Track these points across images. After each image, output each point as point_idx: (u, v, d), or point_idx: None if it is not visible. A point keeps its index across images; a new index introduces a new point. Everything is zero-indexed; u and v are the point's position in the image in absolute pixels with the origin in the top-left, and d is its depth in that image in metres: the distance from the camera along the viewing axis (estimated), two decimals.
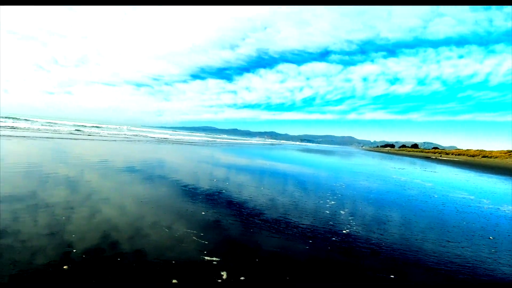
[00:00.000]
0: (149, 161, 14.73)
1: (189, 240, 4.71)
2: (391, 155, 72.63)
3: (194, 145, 35.27)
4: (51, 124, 44.14)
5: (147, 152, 20.00)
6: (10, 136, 21.64)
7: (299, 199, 8.53)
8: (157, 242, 4.53)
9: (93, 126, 51.06)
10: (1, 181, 7.44)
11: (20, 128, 30.34)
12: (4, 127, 29.60)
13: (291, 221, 6.28)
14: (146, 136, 42.99)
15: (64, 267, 3.56)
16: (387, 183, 13.98)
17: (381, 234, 5.91)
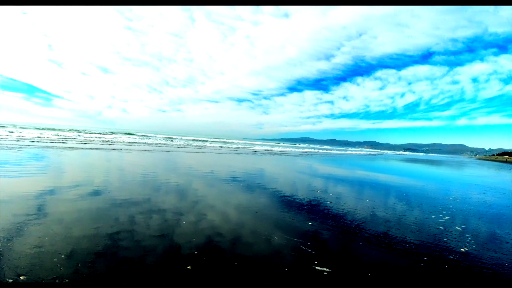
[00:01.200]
0: (253, 172, 15.50)
1: (298, 249, 4.80)
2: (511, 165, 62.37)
3: (294, 156, 35.58)
4: (166, 139, 49.41)
5: (251, 163, 21.02)
6: (132, 150, 25.09)
7: (408, 213, 8.01)
8: (267, 248, 4.73)
9: (198, 140, 55.51)
10: (122, 188, 8.66)
11: (139, 143, 34.84)
12: (125, 142, 34.37)
13: (401, 236, 5.94)
14: (248, 149, 44.99)
15: (188, 267, 3.96)
16: (507, 197, 12.30)
17: (504, 254, 5.27)
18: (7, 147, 18.08)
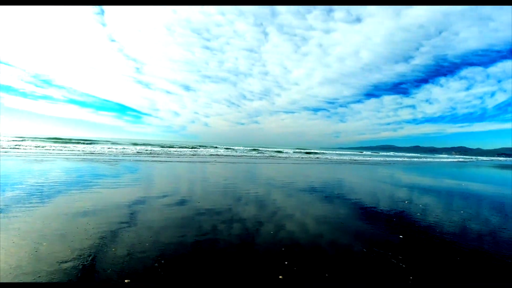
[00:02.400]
0: (334, 181, 15.27)
1: (387, 262, 4.67)
2: None
3: (375, 165, 34.08)
4: (249, 150, 51.21)
5: (331, 173, 20.70)
6: (218, 161, 26.42)
7: (508, 227, 7.13)
8: (355, 260, 4.69)
9: (280, 151, 56.32)
10: (206, 198, 9.26)
11: (225, 155, 36.71)
12: (212, 154, 36.52)
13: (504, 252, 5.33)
14: (328, 158, 44.40)
15: (280, 276, 4.11)
16: None
17: None
18: (104, 161, 20.73)
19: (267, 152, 49.97)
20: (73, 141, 43.82)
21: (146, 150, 35.41)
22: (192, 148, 46.88)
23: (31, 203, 7.36)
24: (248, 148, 55.70)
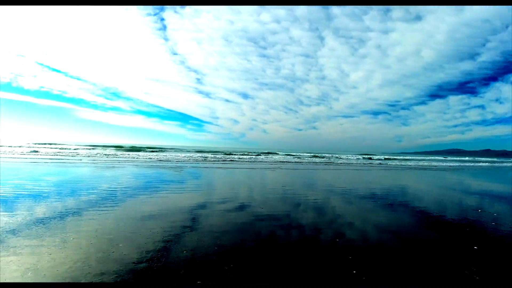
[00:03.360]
0: (398, 188, 14.61)
1: (460, 273, 4.38)
2: None
3: (442, 170, 31.85)
4: (304, 157, 50.93)
5: (394, 179, 19.78)
6: (278, 168, 26.63)
7: None
8: (425, 271, 4.47)
9: (337, 157, 55.22)
10: (265, 203, 9.37)
11: (284, 161, 36.94)
12: (277, 161, 36.93)
13: None
14: (388, 164, 42.51)
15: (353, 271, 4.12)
16: None
17: None
18: (170, 167, 21.97)
19: (327, 158, 49.19)
20: (144, 148, 47.12)
21: (210, 157, 36.90)
22: (257, 155, 47.80)
23: (106, 206, 8.08)
24: (308, 154, 55.33)
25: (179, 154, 40.67)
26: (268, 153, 54.29)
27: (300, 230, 6.52)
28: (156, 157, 33.90)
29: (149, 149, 46.62)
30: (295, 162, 37.49)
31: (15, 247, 4.87)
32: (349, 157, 53.63)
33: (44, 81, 78.63)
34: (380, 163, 42.90)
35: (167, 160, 29.76)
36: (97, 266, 4.25)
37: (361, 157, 55.24)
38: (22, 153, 30.89)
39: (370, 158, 54.15)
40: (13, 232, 5.64)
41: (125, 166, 21.52)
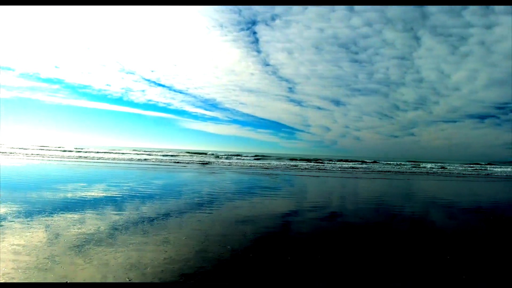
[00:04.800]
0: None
1: None
2: None
3: None
4: (398, 166, 47.99)
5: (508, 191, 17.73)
6: (377, 178, 25.81)
7: None
8: None
9: (440, 166, 50.60)
10: (355, 212, 9.17)
11: (390, 171, 35.54)
12: (379, 170, 35.84)
13: None
14: (501, 173, 37.46)
15: None
16: None
17: None
18: (265, 174, 22.96)
19: (427, 167, 45.43)
20: (241, 155, 50.06)
21: (304, 165, 37.45)
22: (353, 162, 46.88)
23: (203, 208, 8.89)
24: (406, 163, 51.81)
25: (272, 162, 42.09)
26: (361, 161, 52.38)
27: (396, 244, 6.29)
28: (252, 164, 35.77)
29: (252, 156, 49.21)
30: (395, 171, 35.59)
31: (133, 243, 5.70)
32: (454, 166, 48.49)
33: (151, 95, 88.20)
34: (487, 174, 37.95)
35: (264, 167, 31.14)
36: (184, 259, 4.77)
37: (468, 166, 49.49)
38: (133, 159, 35.60)
39: (480, 168, 48.03)
40: (130, 229, 6.58)
41: (224, 172, 23.36)
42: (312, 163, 40.71)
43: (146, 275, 4.12)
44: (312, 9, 71.52)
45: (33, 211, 7.50)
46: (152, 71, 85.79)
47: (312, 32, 77.42)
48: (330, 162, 43.98)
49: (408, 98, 79.46)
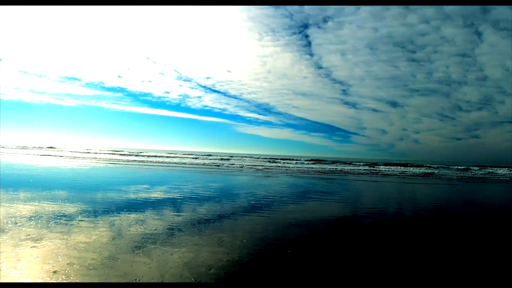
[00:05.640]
0: None
1: None
2: None
3: None
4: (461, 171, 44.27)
5: None
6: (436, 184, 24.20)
7: None
8: None
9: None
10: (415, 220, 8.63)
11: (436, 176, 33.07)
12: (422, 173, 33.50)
13: None
14: None
15: None
16: None
17: None
18: (321, 179, 22.45)
19: (498, 173, 41.28)
20: (296, 159, 49.71)
21: (363, 168, 36.18)
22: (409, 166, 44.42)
23: (262, 211, 8.88)
24: (473, 168, 47.70)
25: (328, 166, 41.14)
26: (422, 165, 49.13)
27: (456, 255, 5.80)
28: (308, 168, 35.29)
29: (306, 160, 48.71)
30: (467, 177, 32.87)
31: (196, 244, 5.87)
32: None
33: (207, 101, 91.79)
34: None
35: (319, 171, 30.59)
36: (237, 261, 4.77)
37: None
38: (189, 163, 36.83)
39: None
40: (191, 229, 6.77)
41: (279, 176, 23.33)
42: (368, 167, 39.09)
43: (210, 276, 4.18)
44: (365, 9, 69.42)
45: (98, 211, 8.00)
46: (207, 78, 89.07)
47: (366, 32, 74.89)
48: (388, 166, 41.72)
49: (471, 97, 73.33)
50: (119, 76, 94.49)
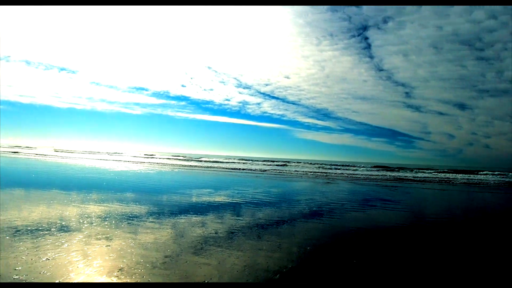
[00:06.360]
0: None
1: None
2: None
3: None
4: None
5: None
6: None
7: None
8: None
9: None
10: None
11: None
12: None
13: None
14: None
15: None
16: None
17: None
18: (384, 186, 21.73)
19: None
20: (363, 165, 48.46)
21: (430, 175, 34.37)
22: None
23: (319, 218, 8.81)
24: None
25: (391, 173, 39.50)
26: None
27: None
28: (371, 174, 34.35)
29: (369, 167, 47.46)
30: None
31: (261, 249, 5.94)
32: None
33: (265, 107, 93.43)
34: None
35: (383, 179, 29.67)
36: (290, 261, 4.75)
37: None
38: (250, 169, 37.59)
39: None
40: (253, 234, 6.86)
41: (339, 183, 22.85)
42: (435, 174, 36.86)
43: (268, 281, 4.23)
44: (427, 7, 65.54)
45: (163, 212, 8.49)
46: (266, 85, 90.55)
47: (429, 31, 70.61)
48: (456, 173, 38.84)
49: None
50: (183, 86, 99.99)
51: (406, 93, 78.17)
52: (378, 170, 42.72)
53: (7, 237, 5.49)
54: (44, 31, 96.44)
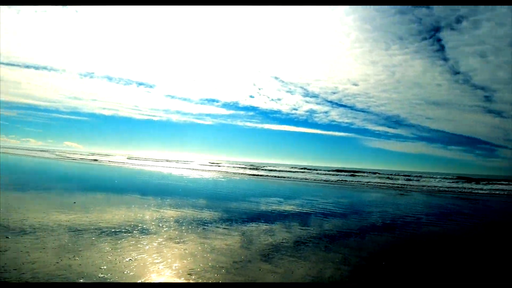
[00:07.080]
0: None
1: None
2: None
3: None
4: None
5: None
6: None
7: None
8: None
9: None
10: None
11: None
12: None
13: None
14: None
15: None
16: None
17: None
18: (464, 198, 20.39)
19: None
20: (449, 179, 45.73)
21: None
22: None
23: (391, 231, 8.56)
24: None
25: (466, 185, 36.88)
26: None
27: None
28: (450, 186, 32.63)
29: (445, 178, 44.86)
30: None
31: (326, 262, 5.93)
32: None
33: (333, 116, 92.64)
34: None
35: (465, 191, 28.10)
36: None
37: None
38: (319, 179, 37.64)
39: None
40: (317, 244, 6.85)
41: (413, 194, 21.95)
42: None
43: None
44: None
45: (233, 219, 8.79)
46: (333, 93, 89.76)
47: (508, 29, 64.20)
48: None
49: None
50: (251, 97, 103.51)
51: (486, 97, 71.88)
52: (456, 182, 40.07)
53: (93, 238, 5.99)
54: (124, 49, 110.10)
